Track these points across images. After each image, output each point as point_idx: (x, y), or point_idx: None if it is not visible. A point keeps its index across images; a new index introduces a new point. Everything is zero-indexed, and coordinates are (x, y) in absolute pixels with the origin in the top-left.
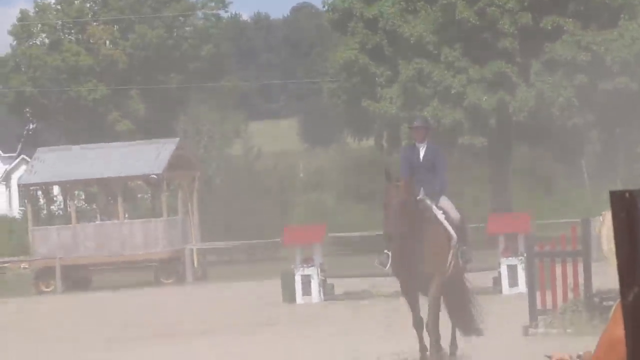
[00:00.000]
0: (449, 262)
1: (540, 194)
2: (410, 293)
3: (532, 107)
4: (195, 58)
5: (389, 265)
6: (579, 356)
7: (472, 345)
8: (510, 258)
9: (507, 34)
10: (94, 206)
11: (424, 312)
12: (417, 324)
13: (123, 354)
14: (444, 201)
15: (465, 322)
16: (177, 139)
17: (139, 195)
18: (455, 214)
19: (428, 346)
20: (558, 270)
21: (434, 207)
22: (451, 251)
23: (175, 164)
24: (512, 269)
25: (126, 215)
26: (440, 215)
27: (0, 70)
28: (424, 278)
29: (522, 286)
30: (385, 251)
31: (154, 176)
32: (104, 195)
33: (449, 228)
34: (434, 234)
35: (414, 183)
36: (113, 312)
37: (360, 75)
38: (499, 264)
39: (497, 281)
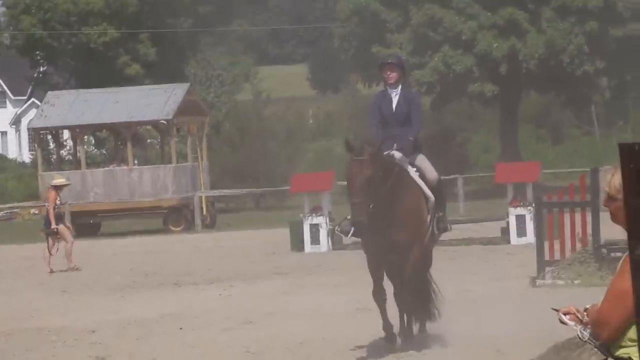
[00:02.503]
0: (428, 229)
1: (550, 142)
2: (379, 268)
3: (542, 54)
4: (206, 1)
5: (351, 233)
6: (586, 309)
7: (477, 296)
8: (518, 208)
9: None
10: (104, 151)
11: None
12: (379, 295)
13: (131, 301)
14: (420, 159)
15: (419, 304)
16: (187, 84)
17: (149, 141)
18: (432, 174)
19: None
20: (566, 220)
21: (408, 166)
22: (428, 216)
23: (185, 109)
24: (520, 219)
25: (135, 162)
26: (415, 175)
27: (11, 12)
28: (398, 249)
29: (530, 236)
30: (348, 217)
31: (164, 122)
32: (114, 141)
33: (426, 190)
34: (409, 198)
35: (381, 153)
36: (121, 259)
37: (370, 21)
38: (507, 213)
39: (505, 231)
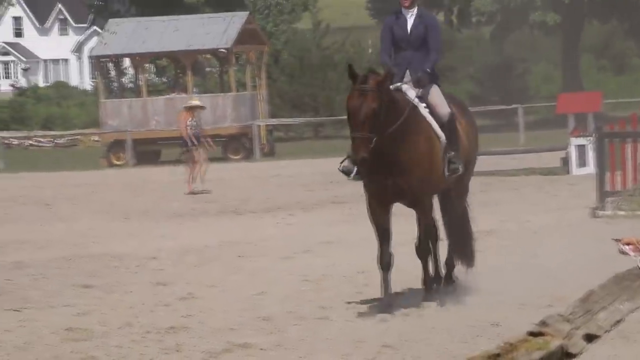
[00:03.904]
0: (440, 174)
1: (612, 72)
2: (384, 217)
3: None
4: None
5: (354, 174)
6: None
7: (537, 226)
8: (579, 138)
9: None
10: (164, 80)
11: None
12: (385, 262)
13: (190, 228)
14: (434, 92)
15: (457, 246)
16: (246, 13)
17: (208, 70)
18: (443, 109)
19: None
20: (628, 150)
21: (417, 101)
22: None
23: (244, 38)
24: (581, 149)
25: (195, 90)
26: (426, 112)
27: None
28: (407, 197)
29: (590, 167)
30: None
31: (223, 50)
32: (174, 69)
33: (437, 128)
34: (418, 138)
35: (389, 80)
36: (181, 187)
37: None
38: (568, 144)
39: (565, 161)
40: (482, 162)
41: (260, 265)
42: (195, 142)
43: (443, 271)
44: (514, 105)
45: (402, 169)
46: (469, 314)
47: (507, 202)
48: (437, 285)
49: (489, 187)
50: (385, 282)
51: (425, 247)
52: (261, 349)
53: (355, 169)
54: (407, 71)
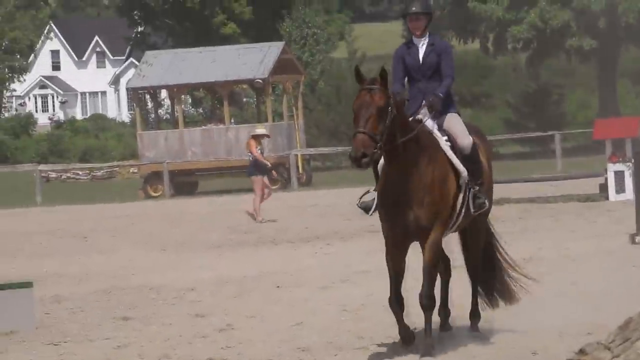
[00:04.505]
0: (457, 209)
1: None
2: (397, 254)
3: None
4: None
5: (373, 209)
6: None
7: (575, 253)
8: (617, 164)
9: None
10: (201, 110)
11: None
12: (396, 302)
13: (228, 258)
14: (452, 121)
15: (489, 287)
16: (282, 43)
17: (245, 100)
18: (464, 140)
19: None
20: None
21: (435, 130)
22: (461, 194)
23: (280, 68)
24: (619, 175)
25: (232, 121)
26: (446, 146)
27: None
28: (416, 232)
29: (629, 193)
30: (371, 190)
31: (259, 80)
32: (211, 100)
33: (457, 163)
34: (434, 169)
35: (403, 97)
36: (218, 217)
37: None
38: (606, 170)
39: (603, 188)
40: (520, 189)
41: (298, 296)
42: (257, 172)
43: (450, 310)
44: (550, 132)
45: (410, 199)
46: (509, 343)
47: (546, 229)
48: (447, 330)
49: (527, 214)
50: (400, 319)
51: (429, 294)
52: None
53: (375, 205)
54: (423, 102)
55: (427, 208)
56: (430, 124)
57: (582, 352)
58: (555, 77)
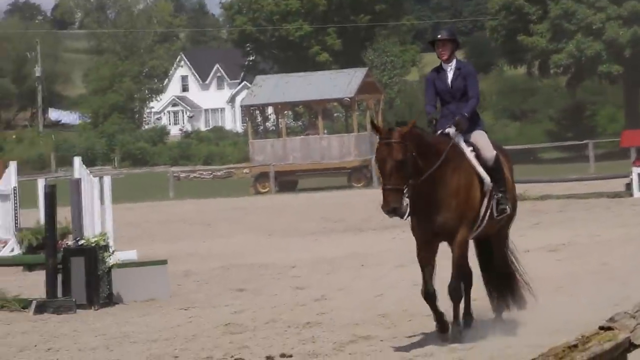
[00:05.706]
0: (482, 212)
1: None
2: (427, 252)
3: None
4: (381, 1)
5: (407, 215)
6: None
7: (605, 239)
8: None
9: None
10: (300, 123)
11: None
12: (428, 295)
13: (322, 242)
14: (478, 136)
15: (503, 293)
16: (365, 68)
17: (335, 115)
18: (488, 153)
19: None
20: None
21: (461, 142)
22: (485, 198)
23: (364, 88)
24: None
25: (325, 131)
26: (471, 155)
27: (227, 13)
28: (445, 232)
29: None
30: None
31: (347, 99)
32: (308, 114)
33: (481, 170)
34: (459, 176)
35: (416, 131)
36: (315, 209)
37: (516, 14)
38: (631, 172)
39: (629, 186)
40: (560, 187)
41: (379, 273)
42: None
43: (473, 316)
44: (585, 141)
45: (439, 204)
46: (548, 313)
47: (581, 219)
48: (467, 328)
49: (565, 208)
50: (434, 309)
51: (456, 286)
52: (381, 340)
53: (408, 211)
54: (452, 122)
55: (454, 210)
56: (453, 132)
57: (611, 319)
58: (589, 96)
